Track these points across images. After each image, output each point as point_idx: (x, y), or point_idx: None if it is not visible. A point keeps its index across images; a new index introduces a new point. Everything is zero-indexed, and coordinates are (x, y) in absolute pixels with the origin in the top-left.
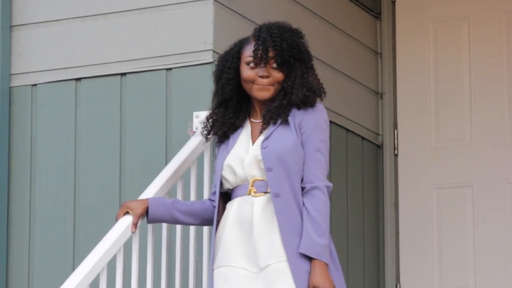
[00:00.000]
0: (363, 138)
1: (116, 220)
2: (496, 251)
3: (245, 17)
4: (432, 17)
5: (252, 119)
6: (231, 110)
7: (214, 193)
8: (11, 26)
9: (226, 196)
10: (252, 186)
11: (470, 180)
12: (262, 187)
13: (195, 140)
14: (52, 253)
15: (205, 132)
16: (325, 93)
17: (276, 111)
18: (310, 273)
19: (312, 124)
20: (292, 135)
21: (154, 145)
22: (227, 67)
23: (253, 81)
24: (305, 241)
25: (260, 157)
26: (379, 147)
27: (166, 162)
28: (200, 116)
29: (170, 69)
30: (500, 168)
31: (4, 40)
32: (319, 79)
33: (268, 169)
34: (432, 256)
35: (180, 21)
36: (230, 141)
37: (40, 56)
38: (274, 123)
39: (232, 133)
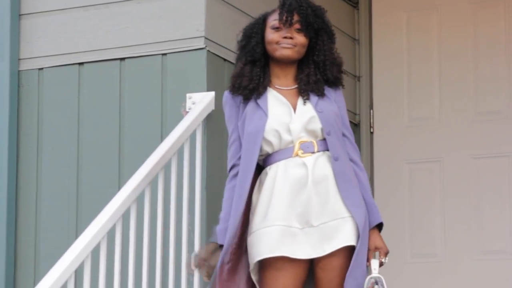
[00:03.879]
0: None
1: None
2: (461, 221)
3: (234, 6)
4: (405, 7)
5: (277, 86)
6: (258, 68)
7: (240, 158)
8: (19, 15)
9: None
10: (299, 148)
11: (438, 156)
12: (309, 148)
13: (188, 119)
14: (56, 221)
15: (235, 86)
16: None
17: (316, 85)
18: (370, 236)
19: (343, 102)
20: (334, 106)
21: (150, 124)
22: (254, 33)
23: (277, 42)
24: (377, 212)
25: (316, 119)
26: (357, 125)
27: (162, 139)
28: (193, 97)
29: (166, 54)
30: (466, 144)
31: (13, 28)
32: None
33: (328, 133)
34: (404, 225)
35: (175, 10)
36: (262, 105)
37: (46, 43)
38: (317, 95)
39: (260, 94)
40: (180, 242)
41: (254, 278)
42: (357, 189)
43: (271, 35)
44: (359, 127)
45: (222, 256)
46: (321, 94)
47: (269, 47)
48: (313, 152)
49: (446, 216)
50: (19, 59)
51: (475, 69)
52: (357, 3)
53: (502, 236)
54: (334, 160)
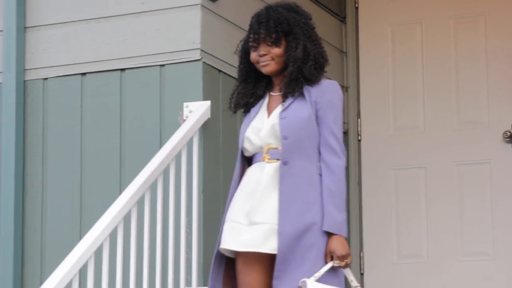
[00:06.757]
0: None
1: None
2: (445, 224)
3: (228, 20)
4: (390, 21)
5: (271, 93)
6: (251, 84)
7: None
8: (25, 28)
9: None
10: (266, 153)
11: (423, 163)
12: (275, 154)
13: (186, 127)
14: (61, 224)
15: (232, 105)
16: (325, 60)
17: (289, 86)
18: (327, 241)
19: (327, 100)
20: (307, 109)
21: (149, 131)
22: (241, 52)
23: (257, 61)
24: (327, 219)
25: (277, 126)
26: (345, 133)
27: (160, 146)
28: (190, 106)
29: (163, 65)
30: (449, 152)
31: (19, 40)
32: (317, 47)
33: (284, 138)
34: (391, 228)
35: (172, 24)
36: (252, 113)
37: (50, 54)
38: (292, 96)
39: (254, 104)
40: (179, 243)
41: None
42: (304, 195)
43: (251, 55)
44: (347, 135)
45: None
46: (297, 94)
47: (256, 66)
48: (278, 159)
49: (431, 220)
50: (25, 70)
51: (456, 80)
52: (345, 17)
53: (483, 238)
54: (283, 164)
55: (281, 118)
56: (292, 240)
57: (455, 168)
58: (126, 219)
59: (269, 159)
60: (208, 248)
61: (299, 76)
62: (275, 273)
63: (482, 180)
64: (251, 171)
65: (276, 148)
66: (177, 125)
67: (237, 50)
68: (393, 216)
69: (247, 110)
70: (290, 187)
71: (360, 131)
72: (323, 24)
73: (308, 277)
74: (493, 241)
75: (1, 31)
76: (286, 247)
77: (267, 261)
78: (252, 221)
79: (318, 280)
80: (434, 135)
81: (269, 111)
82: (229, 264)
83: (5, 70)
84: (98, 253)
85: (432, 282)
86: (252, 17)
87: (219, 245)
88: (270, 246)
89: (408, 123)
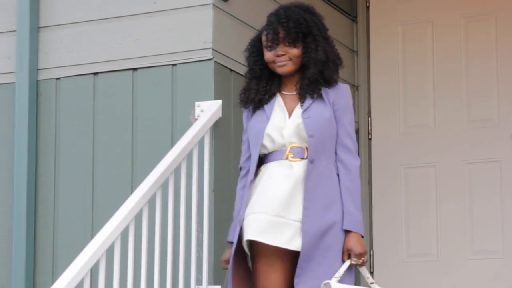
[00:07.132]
0: None
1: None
2: (455, 222)
3: (239, 20)
4: (401, 20)
5: (283, 92)
6: (264, 81)
7: (247, 158)
8: (38, 28)
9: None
10: (289, 152)
11: (433, 161)
12: (299, 153)
13: (197, 126)
14: (73, 222)
15: (243, 100)
16: (341, 62)
17: (309, 87)
18: (345, 239)
19: (344, 103)
20: (328, 110)
21: (161, 130)
22: (252, 51)
23: (273, 61)
24: (348, 218)
25: (302, 125)
26: (356, 132)
27: (172, 145)
28: (201, 105)
29: (175, 64)
30: (459, 150)
31: (32, 40)
32: (334, 49)
33: (311, 136)
34: (401, 227)
35: (184, 23)
36: (267, 110)
37: (63, 54)
38: (311, 97)
39: (267, 101)
40: (190, 242)
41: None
42: (327, 193)
43: (266, 54)
44: (358, 133)
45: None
46: (316, 95)
47: (269, 66)
48: (302, 158)
49: (441, 218)
50: (38, 69)
51: (467, 79)
52: (356, 16)
53: (493, 236)
54: (309, 162)
55: (305, 117)
56: (315, 239)
57: (465, 166)
58: (138, 218)
59: (292, 157)
60: (219, 247)
61: (319, 78)
62: (297, 271)
63: (492, 178)
64: (271, 169)
65: (300, 147)
66: (188, 124)
67: (247, 48)
68: (403, 215)
69: (258, 107)
70: (314, 185)
71: (371, 130)
72: (334, 23)
73: (327, 275)
74: (502, 239)
75: (14, 31)
76: (309, 246)
77: (287, 258)
78: (279, 214)
79: (338, 280)
80: (444, 133)
81: (288, 110)
82: (239, 258)
83: (18, 70)
84: (109, 252)
85: (442, 280)
86: (270, 17)
87: (238, 240)
88: (295, 244)
89: (418, 122)
